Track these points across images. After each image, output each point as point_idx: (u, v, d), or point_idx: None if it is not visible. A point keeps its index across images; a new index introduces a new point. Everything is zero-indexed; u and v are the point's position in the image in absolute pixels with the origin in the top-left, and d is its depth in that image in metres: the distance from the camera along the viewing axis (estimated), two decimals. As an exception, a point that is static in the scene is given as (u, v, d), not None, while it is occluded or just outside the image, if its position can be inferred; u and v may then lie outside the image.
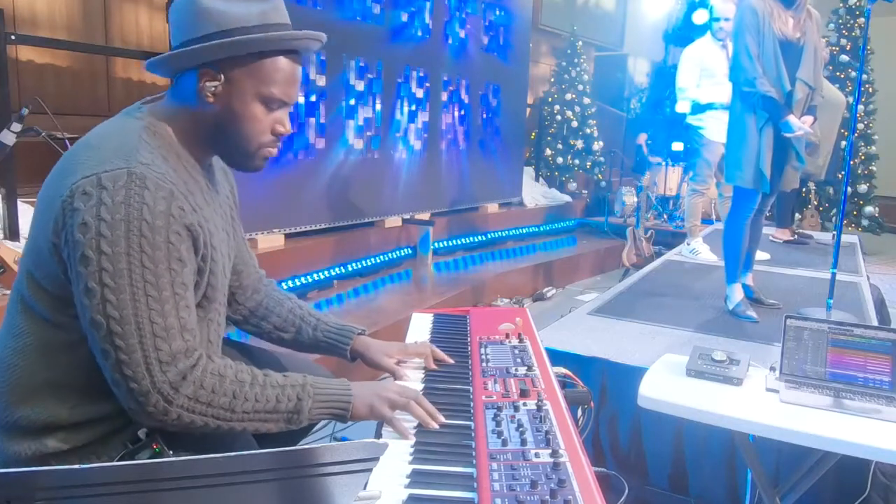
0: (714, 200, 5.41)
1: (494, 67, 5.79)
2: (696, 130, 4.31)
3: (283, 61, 1.14)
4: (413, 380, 1.41)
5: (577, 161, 7.08)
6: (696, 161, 4.39)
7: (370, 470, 0.83)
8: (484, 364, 1.42)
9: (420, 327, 1.73)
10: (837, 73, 6.77)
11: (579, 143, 7.02)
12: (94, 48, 3.86)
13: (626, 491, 1.49)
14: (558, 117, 7.00)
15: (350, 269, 4.22)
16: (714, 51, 4.25)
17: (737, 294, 2.98)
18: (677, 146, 6.34)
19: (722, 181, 4.19)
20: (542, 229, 6.32)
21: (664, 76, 7.50)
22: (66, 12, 3.84)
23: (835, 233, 2.95)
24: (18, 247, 2.63)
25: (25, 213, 2.82)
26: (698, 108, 4.27)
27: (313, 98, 3.97)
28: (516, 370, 1.38)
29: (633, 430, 2.33)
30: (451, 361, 1.48)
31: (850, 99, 3.93)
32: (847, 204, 5.19)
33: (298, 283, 3.75)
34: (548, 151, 7.02)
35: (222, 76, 1.12)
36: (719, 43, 4.24)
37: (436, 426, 1.17)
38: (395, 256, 4.68)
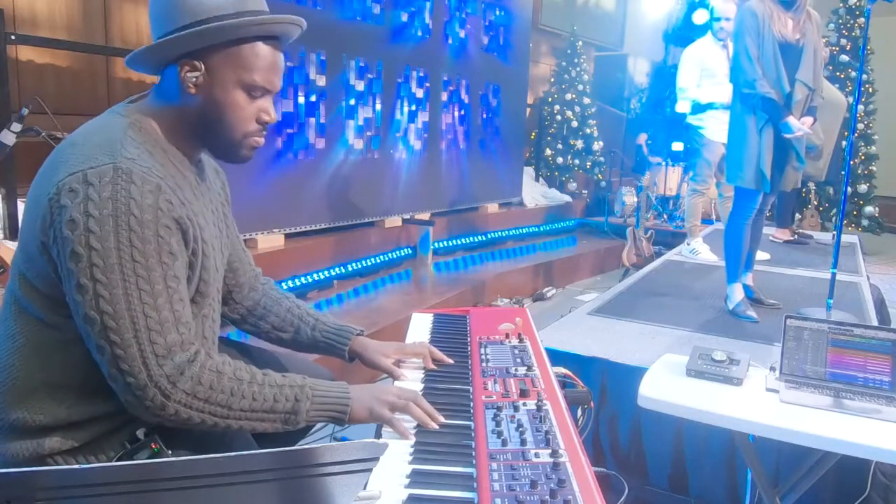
0: (714, 200, 5.41)
1: (494, 67, 5.79)
2: (697, 130, 4.31)
3: (262, 47, 1.14)
4: (412, 380, 1.41)
5: (577, 161, 7.08)
6: (696, 161, 4.39)
7: (370, 470, 0.83)
8: (484, 364, 1.42)
9: (420, 327, 1.73)
10: (837, 73, 6.77)
11: (579, 143, 7.02)
12: (94, 48, 3.86)
13: (626, 491, 1.49)
14: (558, 117, 7.00)
15: (350, 269, 4.22)
16: (714, 51, 4.25)
17: (737, 294, 2.98)
18: (677, 146, 6.34)
19: (722, 181, 4.19)
20: (542, 229, 6.32)
21: (664, 76, 7.50)
22: (66, 12, 3.84)
23: (835, 233, 2.95)
24: (18, 247, 2.63)
25: (25, 213, 2.82)
26: (698, 108, 4.27)
27: (313, 98, 3.97)
28: (516, 370, 1.38)
29: (633, 430, 2.32)
30: (450, 361, 1.48)
31: (850, 99, 3.93)
32: (847, 204, 5.19)
33: (298, 283, 3.75)
34: (548, 151, 7.02)
35: (202, 66, 1.12)
36: (720, 43, 4.24)
37: (435, 426, 1.17)
38: (395, 256, 4.68)
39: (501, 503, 0.91)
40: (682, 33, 7.25)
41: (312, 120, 3.98)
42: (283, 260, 3.75)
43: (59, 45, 3.58)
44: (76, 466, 0.70)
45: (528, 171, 6.84)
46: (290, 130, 3.83)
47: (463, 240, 5.37)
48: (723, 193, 4.25)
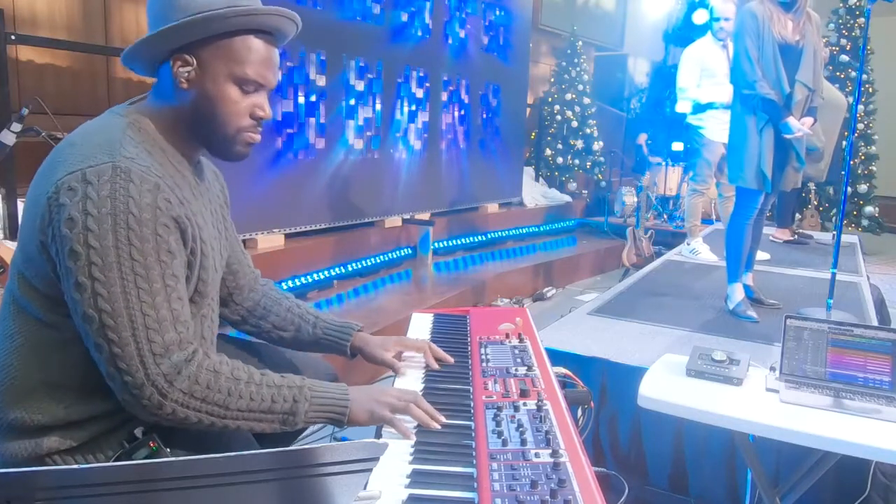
0: (714, 200, 5.41)
1: (494, 67, 5.79)
2: (697, 130, 4.31)
3: (254, 41, 1.14)
4: (413, 379, 1.41)
5: (577, 161, 7.07)
6: (696, 161, 4.39)
7: (370, 470, 0.83)
8: (484, 364, 1.42)
9: (420, 327, 1.73)
10: (837, 73, 6.77)
11: (579, 143, 7.01)
12: (94, 48, 3.86)
13: (626, 491, 1.50)
14: (558, 117, 7.00)
15: (350, 269, 4.22)
16: (714, 51, 4.25)
17: (738, 294, 2.99)
18: (677, 146, 6.34)
19: (722, 181, 4.19)
20: (542, 229, 6.32)
21: (664, 76, 7.49)
22: (66, 12, 3.83)
23: (835, 233, 2.95)
24: (18, 247, 2.63)
25: (25, 213, 2.82)
26: (698, 108, 4.27)
27: (313, 98, 3.97)
28: (516, 370, 1.38)
29: (633, 430, 2.32)
30: (450, 360, 1.48)
31: (850, 99, 3.93)
32: (847, 204, 5.19)
33: (298, 283, 3.75)
34: (548, 151, 7.02)
35: (194, 60, 1.12)
36: (720, 43, 4.24)
37: (437, 427, 1.17)
38: (395, 256, 4.68)
39: (502, 503, 0.91)
40: (682, 33, 7.24)
41: (312, 120, 3.98)
42: (283, 260, 3.75)
43: (59, 45, 3.57)
44: (76, 466, 0.70)
45: (528, 171, 6.84)
46: (290, 130, 3.83)
47: (463, 240, 5.37)
48: (723, 193, 4.25)
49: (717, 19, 4.22)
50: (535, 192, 6.61)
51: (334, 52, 4.08)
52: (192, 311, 1.16)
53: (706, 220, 5.31)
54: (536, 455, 1.04)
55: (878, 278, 5.28)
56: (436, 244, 5.05)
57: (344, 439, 1.44)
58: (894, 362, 1.59)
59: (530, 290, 5.01)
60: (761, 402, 1.59)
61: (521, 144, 6.52)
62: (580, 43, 7.16)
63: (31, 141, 2.76)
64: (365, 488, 0.95)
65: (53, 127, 2.68)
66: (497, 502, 0.91)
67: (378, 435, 1.17)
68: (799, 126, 2.70)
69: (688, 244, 4.38)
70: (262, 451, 0.76)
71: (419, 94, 4.93)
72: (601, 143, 7.15)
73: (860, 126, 6.96)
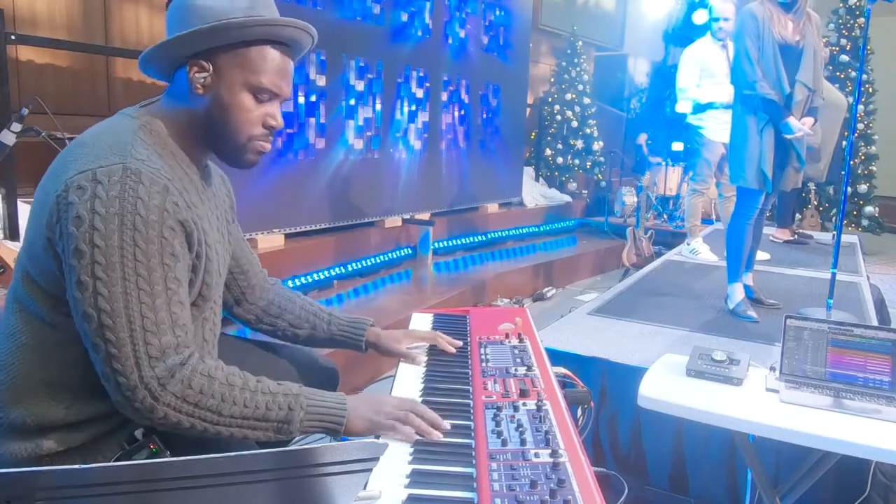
0: (714, 200, 5.41)
1: (494, 67, 5.79)
2: (696, 130, 4.31)
3: (270, 51, 1.15)
4: (413, 378, 1.41)
5: (577, 161, 7.07)
6: (696, 161, 4.39)
7: (370, 470, 0.83)
8: (484, 364, 1.42)
9: (420, 327, 1.73)
10: (837, 73, 6.77)
11: (579, 143, 7.01)
12: (94, 48, 3.86)
13: (626, 491, 1.50)
14: (558, 117, 7.00)
15: (350, 269, 4.22)
16: (714, 51, 4.25)
17: (738, 294, 2.99)
18: (677, 146, 6.34)
19: (722, 181, 4.20)
20: (542, 229, 6.32)
21: (664, 76, 7.49)
22: (66, 12, 3.84)
23: (835, 233, 2.95)
24: (18, 247, 2.62)
25: (25, 214, 2.82)
26: (698, 108, 4.27)
27: (313, 98, 3.97)
28: (516, 370, 1.38)
29: (633, 430, 2.33)
30: (459, 343, 1.54)
31: (850, 99, 3.93)
32: (847, 204, 5.19)
33: (298, 283, 3.75)
34: (548, 151, 7.02)
35: (210, 67, 1.13)
36: (719, 43, 4.24)
37: (439, 436, 1.14)
38: (395, 256, 4.68)
39: (501, 503, 0.91)
40: (682, 33, 7.24)
41: (312, 120, 3.98)
42: (283, 260, 3.75)
43: (59, 45, 3.57)
44: (76, 466, 0.70)
45: (528, 171, 6.84)
46: (290, 130, 3.83)
47: (463, 240, 5.37)
48: (723, 193, 4.25)
49: (717, 19, 4.22)
50: (535, 192, 6.61)
51: (334, 52, 4.08)
52: (195, 314, 1.16)
53: (706, 220, 5.31)
54: (536, 455, 1.04)
55: (878, 278, 5.28)
56: (436, 244, 5.05)
57: (344, 439, 1.44)
58: (894, 362, 1.59)
59: (530, 290, 5.01)
60: (761, 402, 1.59)
61: (521, 144, 6.52)
62: (580, 43, 7.16)
63: (31, 141, 2.76)
64: (365, 488, 0.95)
65: (53, 127, 2.68)
66: (496, 502, 0.91)
67: (378, 435, 1.17)
68: (799, 126, 2.71)
69: (688, 244, 4.38)
70: (262, 451, 0.76)
71: (419, 94, 4.93)
72: (601, 143, 7.15)
73: (860, 126, 6.96)
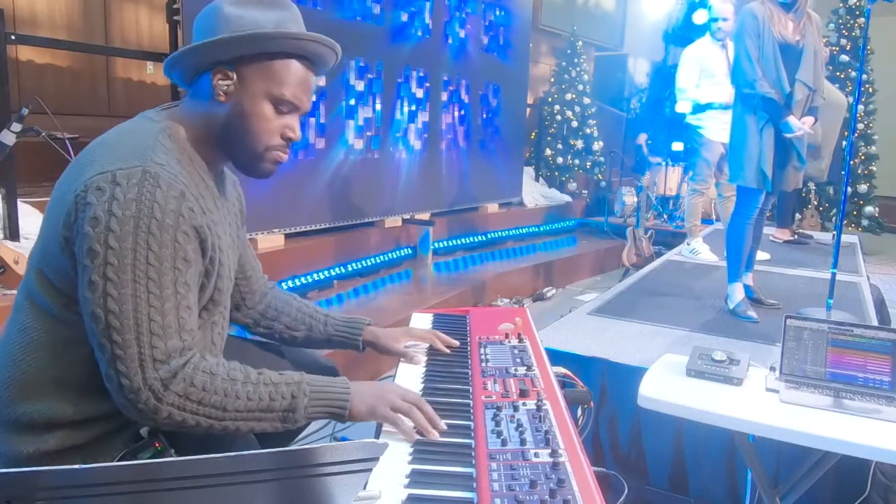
0: (714, 200, 5.41)
1: (494, 67, 5.79)
2: (696, 130, 4.31)
3: (294, 64, 1.18)
4: (412, 378, 1.41)
5: (577, 161, 7.08)
6: (696, 161, 4.39)
7: (370, 470, 0.83)
8: (484, 364, 1.42)
9: (420, 327, 1.73)
10: (837, 73, 6.77)
11: (579, 143, 7.02)
12: (94, 48, 3.86)
13: (626, 491, 1.49)
14: (558, 117, 7.00)
15: (350, 269, 4.22)
16: (714, 51, 4.25)
17: (738, 293, 2.99)
18: (677, 146, 6.34)
19: (722, 181, 4.20)
20: (542, 229, 6.32)
21: (664, 76, 7.49)
22: (66, 12, 3.84)
23: (835, 233, 2.95)
24: (19, 247, 2.63)
25: (25, 213, 2.82)
26: (698, 108, 4.28)
27: (313, 98, 3.96)
28: (516, 370, 1.38)
29: (633, 430, 2.33)
30: (456, 343, 1.54)
31: (850, 99, 3.93)
32: (847, 204, 5.19)
33: (298, 283, 3.75)
34: (548, 151, 7.02)
35: (234, 75, 1.15)
36: (719, 43, 4.24)
37: (436, 435, 1.15)
38: (395, 256, 4.68)
39: (501, 503, 0.91)
40: (682, 33, 7.24)
41: (312, 120, 3.99)
42: (283, 260, 3.75)
43: (59, 45, 3.58)
44: (76, 466, 0.70)
45: (528, 171, 6.84)
46: (290, 130, 3.83)
47: (463, 240, 5.37)
48: (723, 193, 4.25)
49: (716, 19, 4.22)
50: (535, 192, 6.61)
51: (334, 52, 4.08)
52: (205, 317, 1.17)
53: (706, 220, 5.31)
54: (536, 455, 1.04)
55: (878, 278, 5.28)
56: (436, 244, 5.05)
57: (344, 439, 1.44)
58: (894, 362, 1.59)
59: (530, 290, 5.01)
60: (761, 402, 1.59)
61: (521, 144, 6.52)
62: (580, 43, 7.16)
63: (31, 141, 2.76)
64: (365, 488, 0.95)
65: (53, 127, 2.68)
66: (496, 502, 0.91)
67: (378, 435, 1.17)
68: (799, 125, 2.71)
69: (688, 244, 4.38)
70: (262, 451, 0.76)
71: (419, 94, 4.93)
72: (601, 143, 7.15)
73: (860, 126, 6.96)
